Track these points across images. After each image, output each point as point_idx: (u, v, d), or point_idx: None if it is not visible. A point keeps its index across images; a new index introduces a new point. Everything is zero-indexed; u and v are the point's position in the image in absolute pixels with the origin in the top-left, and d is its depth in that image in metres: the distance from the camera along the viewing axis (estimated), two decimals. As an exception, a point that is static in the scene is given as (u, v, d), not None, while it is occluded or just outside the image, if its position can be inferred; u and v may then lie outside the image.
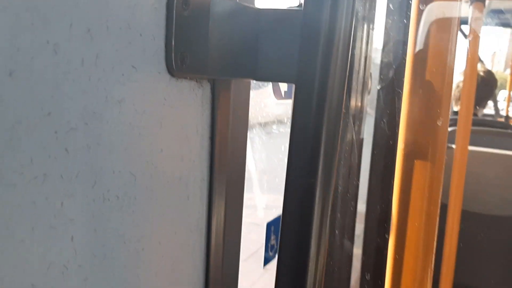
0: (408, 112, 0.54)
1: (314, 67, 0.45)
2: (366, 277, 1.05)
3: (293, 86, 0.48)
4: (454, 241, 1.43)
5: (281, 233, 0.47)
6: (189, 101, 0.47)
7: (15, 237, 0.30)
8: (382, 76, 1.04)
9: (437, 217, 0.59)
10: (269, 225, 0.96)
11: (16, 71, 0.28)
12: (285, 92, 0.96)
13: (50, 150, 0.31)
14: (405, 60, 0.64)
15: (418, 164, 0.51)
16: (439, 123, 0.47)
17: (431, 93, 0.52)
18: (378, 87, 1.04)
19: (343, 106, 0.48)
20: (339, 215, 0.93)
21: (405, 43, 0.93)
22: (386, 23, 1.23)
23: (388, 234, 0.60)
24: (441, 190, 0.53)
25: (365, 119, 1.15)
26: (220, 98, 0.51)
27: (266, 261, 0.97)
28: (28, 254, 0.31)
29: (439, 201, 0.54)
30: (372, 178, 1.07)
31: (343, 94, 0.47)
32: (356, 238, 1.01)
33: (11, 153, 0.29)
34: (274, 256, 0.98)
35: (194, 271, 0.51)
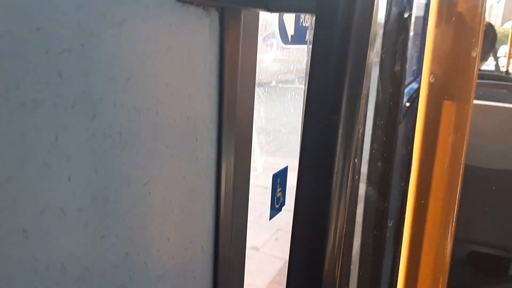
0: (434, 43, 0.49)
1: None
2: (389, 224, 1.03)
3: (311, 18, 0.43)
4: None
5: (298, 180, 0.43)
6: (196, 31, 0.41)
7: (1, 174, 0.25)
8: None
9: (462, 155, 0.54)
10: (275, 177, 0.93)
11: (-6, -31, 0.23)
12: (291, 36, 0.90)
13: (40, 73, 0.27)
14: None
15: (447, 99, 0.46)
16: (474, 54, 0.42)
17: (462, 22, 0.47)
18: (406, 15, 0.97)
19: (370, 39, 0.43)
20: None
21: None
22: None
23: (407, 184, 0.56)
24: (468, 125, 0.49)
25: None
26: (230, 30, 0.46)
27: (273, 214, 0.94)
28: (17, 193, 0.26)
29: (466, 137, 0.49)
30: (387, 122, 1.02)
31: (370, 25, 0.42)
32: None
33: (-7, 73, 0.24)
34: (280, 209, 0.95)
35: (203, 218, 0.47)
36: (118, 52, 0.32)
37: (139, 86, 0.35)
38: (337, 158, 0.42)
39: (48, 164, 0.28)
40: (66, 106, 0.29)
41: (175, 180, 0.41)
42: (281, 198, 0.95)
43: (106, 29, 0.31)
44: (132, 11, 0.33)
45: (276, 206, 0.94)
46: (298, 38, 0.89)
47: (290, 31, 0.87)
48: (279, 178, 0.94)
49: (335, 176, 0.42)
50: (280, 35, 0.85)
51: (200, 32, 0.42)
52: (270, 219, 0.94)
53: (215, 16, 0.44)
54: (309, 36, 0.95)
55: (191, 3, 0.40)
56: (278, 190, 0.94)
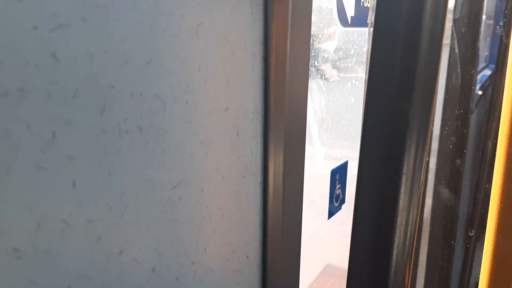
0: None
1: None
2: (469, 233, 0.92)
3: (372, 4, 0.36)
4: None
5: (358, 181, 0.35)
6: (235, 5, 0.35)
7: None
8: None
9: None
10: (333, 173, 0.85)
11: None
12: (351, 18, 0.81)
13: (26, 54, 0.21)
14: None
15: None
16: None
17: None
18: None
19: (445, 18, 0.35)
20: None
21: None
22: None
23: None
24: None
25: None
26: (276, 4, 0.39)
27: (331, 213, 0.86)
28: (3, 205, 0.21)
29: None
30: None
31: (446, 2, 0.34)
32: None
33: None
34: (339, 207, 0.88)
35: (248, 224, 0.41)
36: (132, 28, 0.26)
37: (163, 71, 0.29)
38: (406, 155, 0.34)
39: (44, 167, 0.23)
40: (66, 96, 0.23)
41: (211, 182, 0.35)
42: (341, 195, 0.87)
43: (116, 0, 0.25)
44: None
45: (335, 203, 0.86)
46: (359, 20, 0.80)
47: (350, 12, 0.79)
48: (338, 174, 0.86)
49: (404, 176, 0.35)
50: (338, 16, 0.77)
51: (239, 7, 0.36)
52: (328, 218, 0.86)
53: (257, -12, 0.37)
54: (371, 17, 0.86)
55: None
56: (338, 186, 0.86)
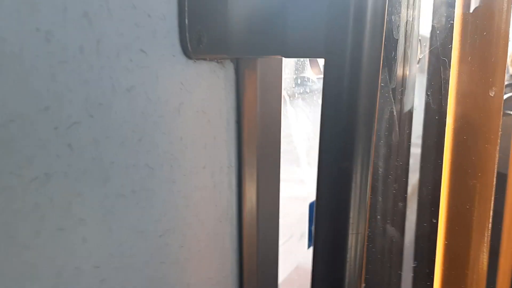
0: (457, 82, 0.48)
1: (345, 39, 0.40)
2: (413, 264, 1.00)
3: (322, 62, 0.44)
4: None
5: (315, 226, 0.43)
6: (210, 84, 0.43)
7: (18, 243, 0.28)
8: (423, 44, 0.96)
9: (492, 196, 0.53)
10: (312, 205, 0.93)
11: (3, 64, 0.26)
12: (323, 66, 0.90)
13: (50, 147, 0.29)
14: (451, 23, 0.56)
15: (469, 140, 0.45)
16: (492, 93, 0.41)
17: (482, 60, 0.46)
18: (420, 56, 0.96)
19: (380, 81, 0.43)
20: (380, 198, 0.87)
21: (451, 5, 0.85)
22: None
23: (437, 218, 0.55)
24: (495, 169, 0.48)
25: (414, 90, 1.08)
26: (246, 78, 0.47)
27: (311, 242, 0.93)
28: (34, 259, 0.29)
29: (494, 181, 0.48)
30: (422, 156, 1.00)
31: (379, 67, 0.42)
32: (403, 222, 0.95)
33: (6, 154, 0.27)
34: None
35: (225, 262, 0.48)
36: (128, 117, 0.34)
37: (151, 145, 0.37)
38: (351, 207, 0.42)
39: (62, 229, 0.30)
40: (77, 174, 0.31)
41: (192, 228, 0.43)
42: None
43: (114, 98, 0.33)
44: (141, 76, 0.35)
45: (314, 234, 0.93)
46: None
47: (322, 61, 0.87)
48: (317, 207, 0.93)
49: (350, 227, 0.42)
50: (311, 66, 0.86)
51: (214, 85, 0.44)
52: (308, 247, 0.93)
53: (229, 66, 0.46)
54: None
55: (204, 59, 0.42)
56: (317, 218, 0.93)
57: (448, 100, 0.51)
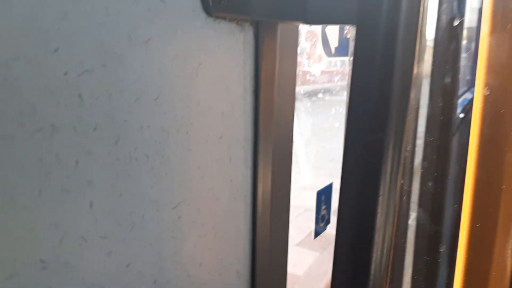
0: (488, 52, 0.45)
1: (380, 4, 0.36)
2: (441, 249, 0.97)
3: (352, 30, 0.41)
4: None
5: (340, 202, 0.40)
6: (229, 47, 0.40)
7: (17, 203, 0.24)
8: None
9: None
10: (319, 194, 0.89)
11: (7, -9, 0.22)
12: (335, 48, 0.87)
13: (58, 96, 0.25)
14: None
15: (505, 113, 0.42)
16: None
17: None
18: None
19: (417, 52, 0.40)
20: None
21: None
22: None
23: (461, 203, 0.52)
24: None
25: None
26: (265, 45, 0.44)
27: (317, 233, 0.90)
28: (34, 223, 0.25)
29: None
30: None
31: (416, 38, 0.39)
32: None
33: (7, 97, 0.23)
34: (325, 228, 0.92)
35: (239, 242, 0.45)
36: (144, 72, 0.31)
37: (168, 106, 0.33)
38: (382, 181, 0.38)
39: (68, 191, 0.27)
40: (88, 130, 0.27)
41: (207, 203, 0.39)
42: (326, 216, 0.91)
43: (130, 48, 0.30)
44: (159, 28, 0.32)
45: (321, 224, 0.90)
46: (342, 50, 0.86)
47: (334, 42, 0.84)
48: (324, 195, 0.91)
49: (380, 198, 0.39)
50: (323, 47, 0.82)
51: (233, 48, 0.40)
52: (314, 237, 0.90)
53: (249, 30, 0.42)
54: (352, 48, 0.91)
55: (224, 18, 0.38)
56: (323, 207, 0.91)
57: (477, 73, 0.48)
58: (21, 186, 0.24)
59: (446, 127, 0.95)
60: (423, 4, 0.39)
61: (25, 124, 0.24)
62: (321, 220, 0.91)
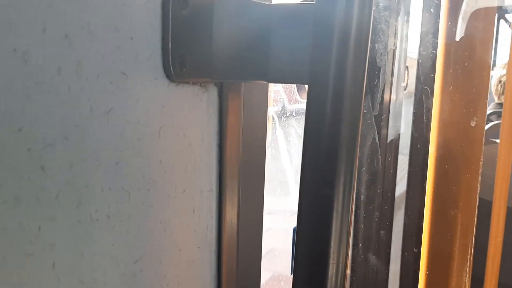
0: (439, 112, 0.48)
1: (328, 66, 0.40)
2: None
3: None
4: (500, 239, 1.35)
5: (295, 253, 0.42)
6: (193, 107, 0.43)
7: None
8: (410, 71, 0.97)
9: (473, 226, 0.53)
10: (295, 230, 0.91)
11: (-26, 84, 0.25)
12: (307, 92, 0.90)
13: (22, 170, 0.28)
14: (434, 54, 0.57)
15: (451, 169, 0.45)
16: (473, 123, 0.42)
17: (464, 90, 0.46)
18: (403, 84, 0.97)
19: (362, 108, 0.43)
20: (362, 226, 0.87)
21: (434, 34, 0.86)
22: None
23: (419, 246, 0.55)
24: (477, 198, 0.47)
25: (399, 117, 1.09)
26: (229, 102, 0.47)
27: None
28: (-2, 286, 0.28)
29: (476, 210, 0.48)
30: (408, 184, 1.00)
31: (362, 95, 0.42)
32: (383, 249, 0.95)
33: (-28, 177, 0.26)
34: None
35: (203, 289, 0.47)
36: (105, 139, 0.34)
37: (129, 168, 0.36)
38: (332, 236, 0.41)
39: (31, 254, 0.29)
40: (50, 198, 0.30)
41: (169, 254, 0.42)
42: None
43: (92, 120, 0.33)
44: (121, 98, 0.35)
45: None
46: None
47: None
48: (300, 232, 0.92)
49: (330, 257, 0.41)
50: (297, 89, 0.86)
51: (197, 107, 0.43)
52: (291, 273, 0.91)
53: (213, 90, 0.45)
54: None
55: (187, 82, 0.41)
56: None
57: (431, 129, 0.52)
58: (-15, 254, 0.27)
59: (392, 178, 0.98)
60: (367, 65, 0.43)
61: None
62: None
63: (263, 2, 0.47)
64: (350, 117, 0.40)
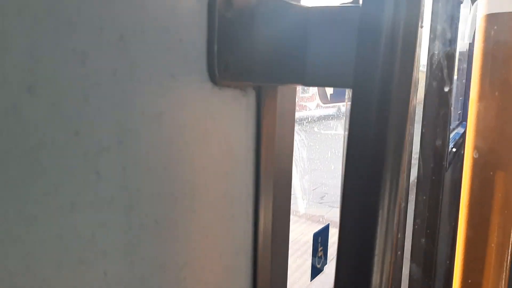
0: (477, 117, 0.47)
1: (375, 70, 0.39)
2: None
3: (347, 91, 0.43)
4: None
5: (337, 263, 0.41)
6: (233, 111, 0.42)
7: (37, 277, 0.26)
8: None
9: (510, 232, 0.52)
10: (316, 236, 0.91)
11: (36, 85, 0.24)
12: (331, 95, 0.90)
13: (77, 175, 0.27)
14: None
15: (493, 176, 0.44)
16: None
17: (507, 94, 0.45)
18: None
19: (410, 114, 0.42)
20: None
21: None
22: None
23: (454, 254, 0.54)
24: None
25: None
26: (266, 107, 0.46)
27: (314, 274, 0.91)
28: (56, 294, 0.27)
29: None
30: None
31: (410, 99, 0.41)
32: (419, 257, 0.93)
33: (32, 181, 0.25)
34: (322, 269, 0.93)
35: (240, 298, 0.46)
36: (156, 143, 0.33)
37: (176, 174, 0.35)
38: (377, 240, 0.40)
39: (84, 262, 0.28)
40: (103, 203, 0.29)
41: (210, 260, 0.41)
42: (323, 258, 0.92)
43: (144, 123, 0.32)
44: (170, 101, 0.34)
45: (317, 265, 0.92)
46: (337, 97, 0.89)
47: (330, 90, 0.87)
48: (320, 237, 0.92)
49: (375, 258, 0.40)
50: (319, 95, 0.85)
51: (237, 112, 0.43)
52: (311, 279, 0.91)
53: (252, 94, 0.45)
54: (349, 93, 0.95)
55: (229, 86, 0.41)
56: (320, 249, 0.92)
57: (467, 135, 0.51)
58: (42, 261, 0.26)
59: (437, 186, 0.97)
60: (416, 68, 0.42)
61: (48, 203, 0.26)
62: (318, 262, 0.92)
63: (300, 4, 0.46)
64: (397, 122, 0.40)
